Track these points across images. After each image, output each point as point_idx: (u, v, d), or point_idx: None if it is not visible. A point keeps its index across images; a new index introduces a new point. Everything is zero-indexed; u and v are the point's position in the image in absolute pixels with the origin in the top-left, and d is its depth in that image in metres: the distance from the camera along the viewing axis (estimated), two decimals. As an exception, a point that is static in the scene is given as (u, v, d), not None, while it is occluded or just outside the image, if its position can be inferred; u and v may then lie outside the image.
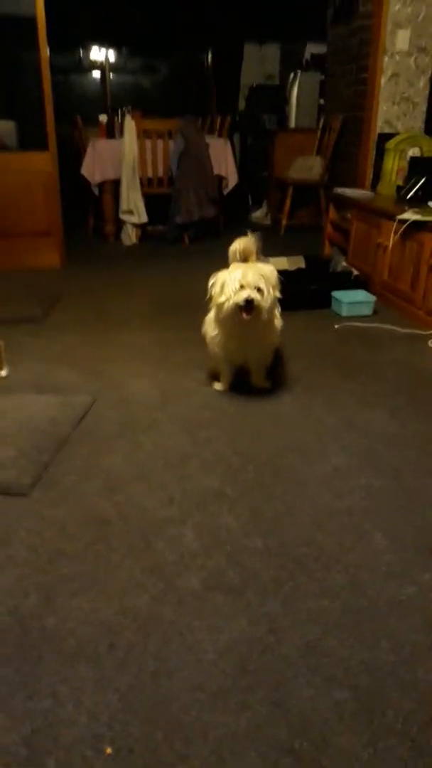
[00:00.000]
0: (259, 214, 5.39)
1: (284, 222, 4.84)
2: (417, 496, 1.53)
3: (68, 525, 1.44)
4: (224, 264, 2.12)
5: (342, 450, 1.74)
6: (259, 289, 1.79)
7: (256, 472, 1.64)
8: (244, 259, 2.14)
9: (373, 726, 0.97)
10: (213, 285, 1.86)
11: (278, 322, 2.01)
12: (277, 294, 1.88)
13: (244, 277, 1.78)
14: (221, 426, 1.89)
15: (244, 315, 1.81)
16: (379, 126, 3.96)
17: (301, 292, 2.92)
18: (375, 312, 2.89)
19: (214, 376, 2.17)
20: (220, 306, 1.84)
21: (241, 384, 2.12)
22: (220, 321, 1.90)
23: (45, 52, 3.61)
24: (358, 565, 1.29)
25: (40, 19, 3.54)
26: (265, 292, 1.80)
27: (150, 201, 4.51)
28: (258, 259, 2.19)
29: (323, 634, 1.13)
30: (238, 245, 2.14)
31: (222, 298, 1.81)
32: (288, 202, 4.80)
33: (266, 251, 2.26)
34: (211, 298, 1.89)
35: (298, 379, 2.23)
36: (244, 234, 2.17)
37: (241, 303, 1.78)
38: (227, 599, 1.21)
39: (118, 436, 1.85)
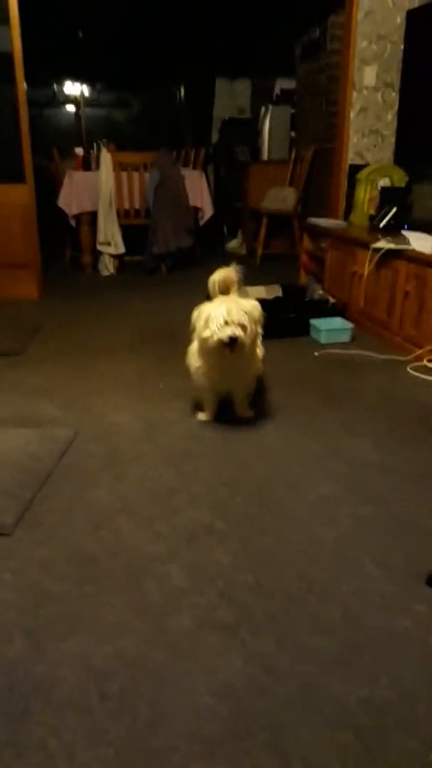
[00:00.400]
0: (234, 244, 5.47)
1: (259, 251, 4.92)
2: (405, 524, 1.53)
3: (54, 564, 1.40)
4: (202, 293, 2.13)
5: (328, 478, 1.74)
6: (242, 326, 1.81)
7: (244, 503, 1.63)
8: (225, 289, 2.15)
9: (376, 768, 0.94)
10: (197, 318, 1.87)
11: (260, 351, 2.02)
12: (260, 329, 1.90)
13: (228, 314, 1.79)
14: (207, 457, 1.87)
15: (227, 351, 1.81)
16: (350, 157, 4.08)
17: (280, 321, 2.95)
18: (353, 339, 2.93)
19: (197, 407, 2.16)
20: (204, 340, 1.84)
21: (224, 414, 2.12)
22: (203, 353, 1.90)
23: (22, 86, 3.65)
24: (352, 597, 1.28)
25: (16, 54, 3.58)
26: (248, 329, 1.82)
27: (127, 231, 4.54)
28: (239, 290, 2.21)
29: (320, 672, 1.11)
30: (218, 276, 2.16)
31: (206, 333, 1.82)
32: (263, 232, 4.88)
33: (243, 280, 2.28)
34: (194, 330, 1.90)
35: (280, 407, 2.23)
36: (225, 264, 2.20)
37: (225, 339, 1.79)
38: (221, 638, 1.19)
39: (102, 469, 1.81)
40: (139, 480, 1.75)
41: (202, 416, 2.11)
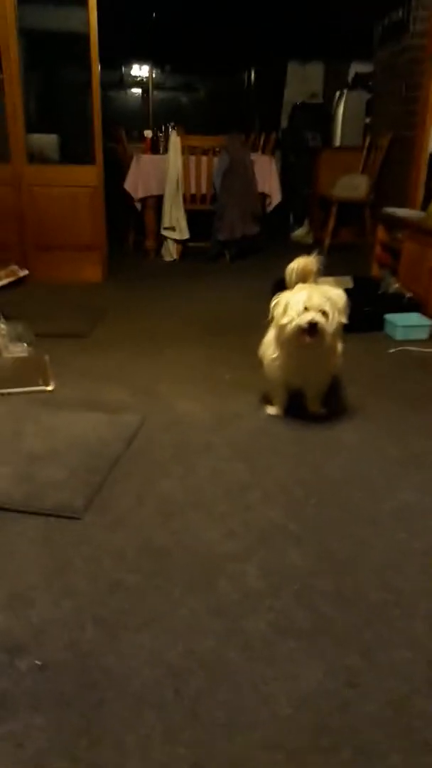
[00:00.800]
0: (300, 233, 5.34)
1: (327, 241, 4.77)
2: None
3: (125, 554, 1.38)
4: (267, 282, 2.05)
5: (411, 485, 1.65)
6: (324, 313, 1.72)
7: (320, 505, 1.56)
8: (303, 278, 2.08)
9: (474, 805, 0.87)
10: (276, 306, 1.80)
11: (340, 345, 1.93)
12: (344, 319, 1.81)
13: (309, 300, 1.72)
14: (279, 453, 1.81)
15: (307, 338, 1.74)
16: (431, 145, 3.88)
17: (353, 314, 2.82)
18: (431, 336, 2.79)
19: (267, 400, 2.10)
20: (282, 328, 1.77)
21: (295, 409, 2.04)
22: (281, 343, 1.83)
23: (96, 67, 3.64)
24: (441, 615, 1.20)
25: (93, 36, 3.57)
26: (330, 316, 1.73)
27: (191, 217, 4.50)
28: (316, 280, 2.12)
29: (410, 692, 1.04)
30: (297, 264, 2.08)
31: (285, 320, 1.75)
32: (332, 220, 4.73)
33: (321, 270, 2.19)
34: (272, 319, 1.83)
35: (356, 406, 2.14)
36: (292, 254, 2.11)
37: (304, 326, 1.72)
38: (299, 646, 1.13)
39: (171, 459, 1.78)
40: (209, 473, 1.71)
41: (271, 410, 2.05)
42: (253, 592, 1.26)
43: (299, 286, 1.82)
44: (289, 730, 0.98)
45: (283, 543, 1.41)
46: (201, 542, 1.42)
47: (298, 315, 1.72)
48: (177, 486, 1.64)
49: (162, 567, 1.34)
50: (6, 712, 1.00)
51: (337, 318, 1.76)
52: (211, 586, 1.28)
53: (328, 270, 3.50)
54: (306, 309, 1.72)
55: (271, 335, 1.90)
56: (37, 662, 1.09)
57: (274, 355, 1.88)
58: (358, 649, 1.12)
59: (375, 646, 1.12)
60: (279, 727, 0.99)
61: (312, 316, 1.71)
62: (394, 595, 1.24)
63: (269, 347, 1.90)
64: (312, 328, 1.71)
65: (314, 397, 2.01)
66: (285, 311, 1.76)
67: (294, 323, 1.73)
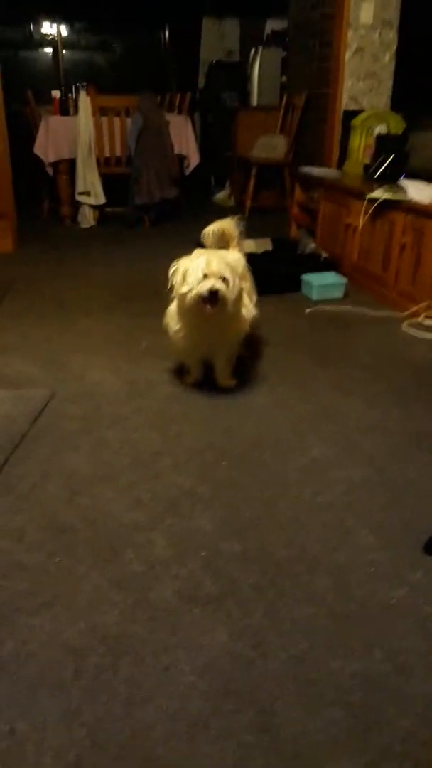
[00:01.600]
0: (222, 196, 5.23)
1: (248, 203, 4.70)
2: (401, 488, 1.45)
3: (27, 533, 1.31)
4: (188, 247, 1.98)
5: (320, 441, 1.65)
6: (224, 279, 1.65)
7: (231, 468, 1.53)
8: (224, 243, 2.01)
9: (370, 748, 0.88)
10: (174, 273, 1.71)
11: (248, 311, 1.87)
12: (245, 284, 1.74)
13: (208, 266, 1.63)
14: (192, 419, 1.77)
15: (208, 307, 1.66)
16: (345, 103, 3.86)
17: (270, 276, 2.80)
18: (346, 294, 2.81)
19: (182, 369, 2.04)
20: (182, 297, 1.69)
21: (211, 376, 1.99)
22: (182, 313, 1.76)
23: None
24: (344, 566, 1.20)
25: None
26: (231, 282, 1.66)
27: (108, 181, 4.31)
28: (238, 244, 2.06)
29: (311, 646, 1.04)
30: (215, 227, 1.99)
31: (184, 288, 1.66)
32: (252, 182, 4.66)
33: (242, 234, 2.13)
34: (172, 288, 1.74)
35: (270, 367, 2.12)
36: (213, 217, 2.03)
37: (205, 294, 1.63)
38: (205, 612, 1.11)
39: (80, 432, 1.71)
40: (120, 444, 1.65)
41: (187, 379, 1.99)
42: (160, 561, 1.23)
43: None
44: (191, 697, 0.96)
45: (191, 509, 1.38)
46: (108, 515, 1.37)
47: (198, 283, 1.64)
48: (85, 460, 1.58)
49: (66, 544, 1.28)
50: None
51: (237, 284, 1.69)
52: (117, 559, 1.24)
53: (250, 232, 3.46)
54: (205, 276, 1.64)
55: (173, 306, 1.82)
56: None
57: (177, 327, 1.79)
58: (262, 609, 1.11)
59: (278, 604, 1.12)
60: (181, 695, 0.96)
61: (212, 283, 1.63)
62: (298, 552, 1.24)
63: (172, 318, 1.82)
64: (213, 296, 1.63)
65: (223, 368, 1.93)
66: (184, 279, 1.68)
67: (194, 292, 1.64)
